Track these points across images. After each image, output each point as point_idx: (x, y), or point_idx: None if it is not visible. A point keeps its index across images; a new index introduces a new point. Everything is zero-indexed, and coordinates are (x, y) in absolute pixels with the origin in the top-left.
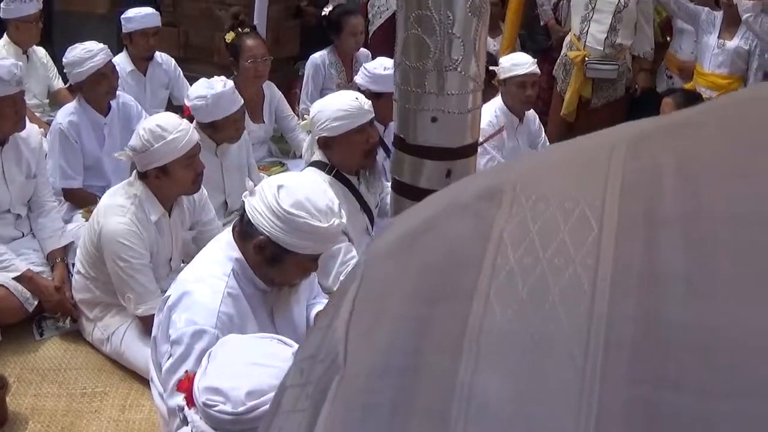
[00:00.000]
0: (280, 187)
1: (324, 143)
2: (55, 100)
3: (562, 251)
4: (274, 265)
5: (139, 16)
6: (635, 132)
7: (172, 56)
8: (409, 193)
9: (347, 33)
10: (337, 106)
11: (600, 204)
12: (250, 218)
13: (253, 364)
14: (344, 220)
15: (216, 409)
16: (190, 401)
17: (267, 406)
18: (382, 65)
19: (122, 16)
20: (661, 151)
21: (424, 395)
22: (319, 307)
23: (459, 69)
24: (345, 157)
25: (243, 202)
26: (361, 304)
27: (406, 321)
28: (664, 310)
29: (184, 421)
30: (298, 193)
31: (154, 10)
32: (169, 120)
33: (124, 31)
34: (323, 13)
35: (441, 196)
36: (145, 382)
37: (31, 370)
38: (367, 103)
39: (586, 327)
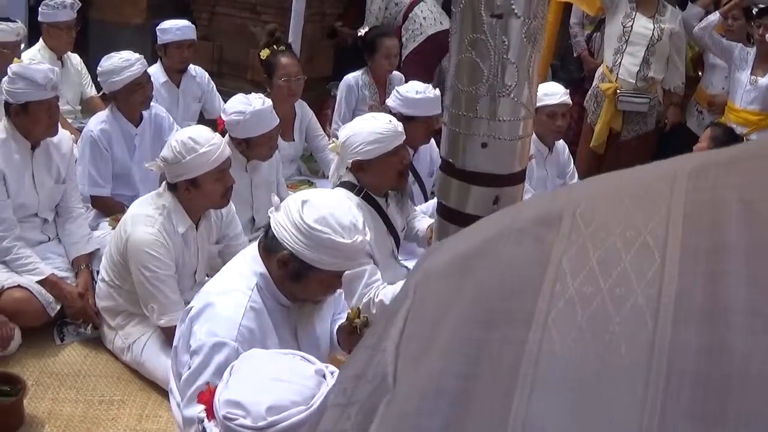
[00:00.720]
0: (304, 202)
1: (358, 166)
2: (88, 108)
3: (624, 281)
4: (297, 281)
5: (174, 28)
6: (696, 163)
7: (205, 70)
8: (455, 218)
9: (381, 55)
10: (371, 129)
11: (663, 234)
12: (275, 233)
13: (275, 379)
14: (368, 237)
15: (236, 422)
16: (210, 413)
17: (287, 422)
18: (414, 89)
19: (158, 27)
20: (724, 183)
21: (477, 421)
22: (341, 322)
23: (512, 95)
24: (378, 179)
25: (269, 217)
26: (413, 325)
27: (461, 345)
28: (728, 342)
29: None
30: (322, 208)
31: (189, 23)
32: (202, 133)
33: (159, 42)
34: (359, 34)
35: (495, 220)
36: (163, 392)
37: (50, 375)
38: (399, 125)
39: (648, 358)
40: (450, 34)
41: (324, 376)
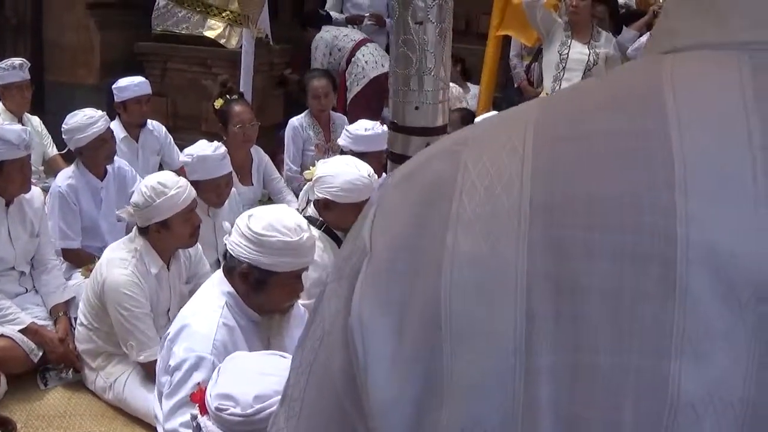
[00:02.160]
0: (250, 216)
1: (324, 204)
2: (50, 167)
3: (502, 166)
4: (260, 291)
5: (132, 85)
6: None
7: (160, 124)
8: (401, 161)
9: (310, 96)
10: (349, 178)
11: (522, 139)
12: (231, 252)
13: (259, 373)
14: (314, 233)
15: (227, 412)
16: (203, 409)
17: (272, 408)
18: (363, 127)
19: (114, 86)
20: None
21: (424, 260)
22: None
23: (432, 74)
24: (340, 221)
25: (225, 243)
26: (379, 217)
27: (410, 218)
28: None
29: (197, 429)
30: (266, 217)
31: (145, 79)
32: (169, 177)
33: (117, 100)
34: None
35: (430, 147)
36: (146, 426)
37: (37, 417)
38: (375, 180)
39: (518, 203)
40: (390, 38)
41: None
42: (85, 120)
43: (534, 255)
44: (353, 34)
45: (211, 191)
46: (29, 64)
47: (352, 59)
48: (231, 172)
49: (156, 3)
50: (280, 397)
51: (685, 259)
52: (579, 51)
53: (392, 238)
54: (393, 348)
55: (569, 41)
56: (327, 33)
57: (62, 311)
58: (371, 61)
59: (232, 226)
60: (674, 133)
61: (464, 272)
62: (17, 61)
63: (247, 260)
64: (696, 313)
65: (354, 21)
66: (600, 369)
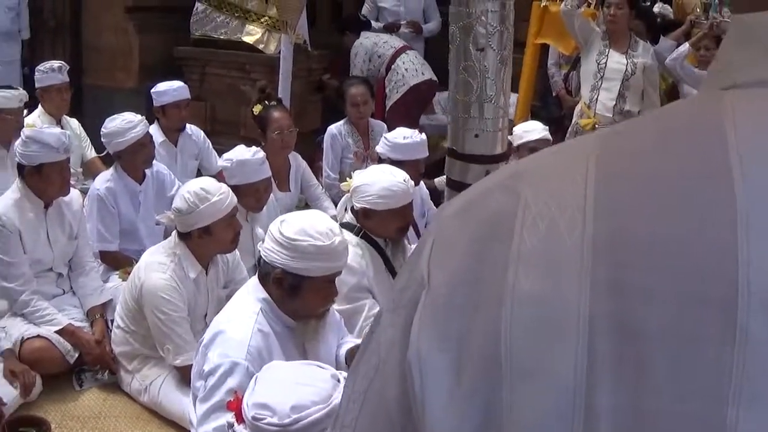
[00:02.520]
0: (282, 221)
1: (363, 213)
2: (89, 170)
3: (563, 202)
4: (295, 296)
5: (171, 90)
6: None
7: (199, 128)
8: (459, 188)
9: (348, 103)
10: (385, 184)
11: (583, 178)
12: (265, 258)
13: (296, 383)
14: (351, 238)
15: (264, 422)
16: (239, 418)
17: (309, 419)
18: (402, 134)
19: (153, 90)
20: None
21: (484, 295)
22: (348, 345)
23: (492, 101)
24: (379, 229)
25: (259, 250)
26: (437, 248)
27: (469, 252)
28: (629, 228)
29: None
30: (298, 222)
31: (184, 84)
32: (211, 183)
33: (156, 104)
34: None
35: (484, 180)
36: (181, 429)
37: (72, 418)
38: (411, 186)
39: (580, 242)
40: (449, 63)
41: (338, 380)
42: (124, 124)
43: (596, 295)
44: (393, 41)
45: (251, 196)
46: (68, 67)
47: (392, 66)
48: (270, 177)
49: (195, 7)
50: (317, 407)
51: (746, 302)
52: (617, 60)
53: (451, 272)
54: (451, 383)
55: (607, 50)
56: (367, 39)
57: (99, 313)
58: (411, 69)
59: (259, 228)
60: (736, 172)
61: (525, 310)
62: (56, 63)
63: (280, 265)
64: (756, 357)
65: (391, 28)
66: (661, 413)
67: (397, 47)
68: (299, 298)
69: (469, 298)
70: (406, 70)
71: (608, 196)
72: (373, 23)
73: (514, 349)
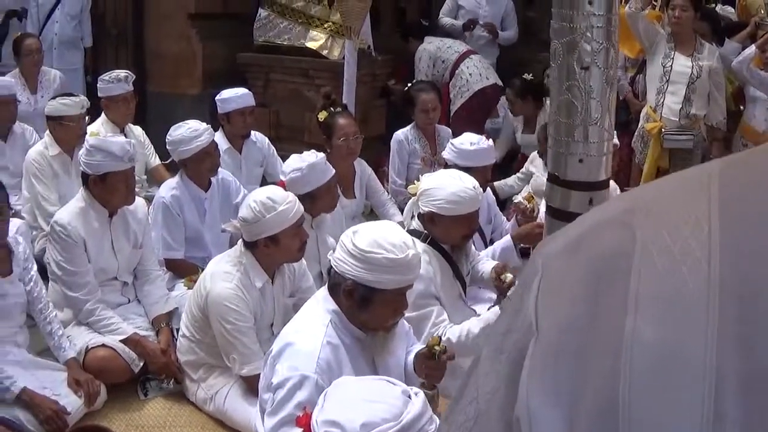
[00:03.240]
0: (354, 232)
1: (429, 218)
2: (153, 177)
3: (685, 244)
4: (365, 308)
5: (235, 97)
6: (723, 164)
7: (263, 135)
8: (560, 216)
9: (419, 109)
10: (454, 190)
11: (706, 214)
12: (336, 269)
13: (366, 400)
14: (419, 246)
15: None
16: None
17: None
18: (469, 141)
19: (217, 97)
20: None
21: (598, 345)
22: (415, 351)
23: (598, 124)
24: (445, 235)
25: (329, 260)
26: (544, 289)
27: (582, 296)
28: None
29: None
30: (371, 233)
31: (248, 91)
32: (278, 192)
33: (220, 111)
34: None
35: (593, 214)
36: None
37: (136, 427)
38: (480, 194)
39: (706, 288)
40: (549, 81)
41: (409, 397)
42: (189, 133)
43: (723, 349)
44: (457, 46)
45: (326, 195)
46: (134, 77)
47: (456, 71)
48: (335, 174)
49: (258, 14)
50: (387, 425)
51: None
52: (682, 63)
53: (562, 317)
54: None
55: (672, 53)
56: (430, 44)
57: (164, 322)
58: (475, 74)
59: (336, 241)
60: None
61: (645, 363)
62: (122, 73)
63: (352, 277)
64: None
65: (469, 26)
66: None
67: (461, 51)
68: (370, 310)
69: (583, 347)
70: (470, 75)
71: (734, 239)
72: (450, 21)
73: (633, 403)
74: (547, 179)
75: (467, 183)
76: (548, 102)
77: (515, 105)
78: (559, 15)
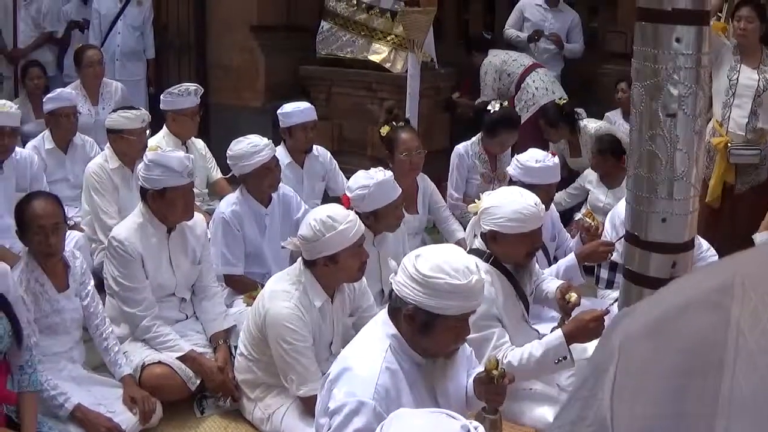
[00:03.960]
0: (417, 256)
1: (492, 236)
2: (214, 190)
3: None
4: (426, 333)
5: (298, 111)
6: None
7: (326, 149)
8: (638, 280)
9: (497, 142)
10: (516, 207)
11: None
12: (397, 293)
13: None
14: (484, 276)
15: None
16: None
17: None
18: (534, 158)
19: (279, 111)
20: None
21: None
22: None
23: (684, 178)
24: (508, 253)
25: (391, 282)
26: (622, 378)
27: (666, 392)
28: None
29: None
30: (434, 258)
31: (310, 105)
32: (338, 211)
33: (282, 125)
34: (489, 108)
35: (681, 289)
36: None
37: None
38: (542, 210)
39: None
40: (630, 130)
41: (469, 431)
42: (250, 148)
43: None
44: (522, 59)
45: (391, 214)
46: (202, 90)
47: (522, 85)
48: (401, 191)
49: (320, 26)
50: None
51: None
52: (748, 76)
53: (643, 415)
54: None
55: (738, 66)
56: (495, 57)
57: (222, 339)
58: (541, 87)
59: (396, 256)
60: None
61: None
62: (191, 86)
63: (413, 302)
64: None
65: (534, 38)
66: None
67: (527, 65)
68: (431, 336)
69: None
70: (536, 89)
71: None
72: (516, 33)
73: None
74: (625, 239)
75: (529, 200)
76: (583, 124)
77: (549, 133)
78: (641, 54)
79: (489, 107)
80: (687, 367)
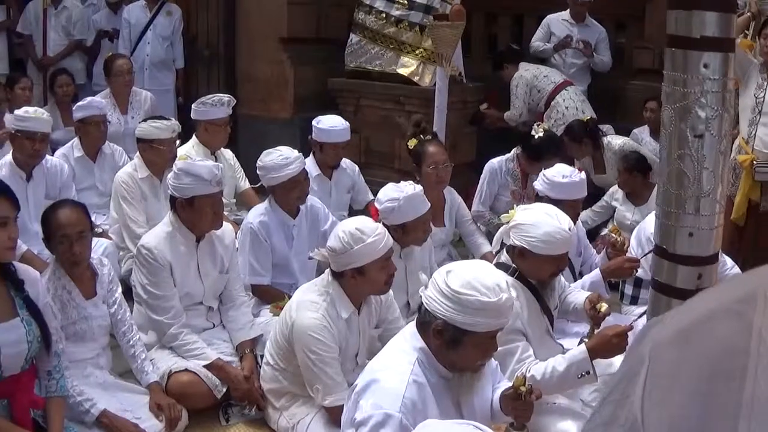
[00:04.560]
0: (448, 272)
1: (519, 252)
2: (242, 200)
3: None
4: (454, 348)
5: (334, 130)
6: None
7: (353, 161)
8: (666, 291)
9: (540, 167)
10: (549, 230)
11: None
12: (427, 307)
13: None
14: (513, 294)
15: None
16: None
17: None
18: (561, 173)
19: (316, 124)
20: None
21: None
22: (502, 389)
23: (710, 195)
24: (533, 271)
25: (420, 296)
26: (652, 382)
27: (693, 395)
28: None
29: None
30: (465, 274)
31: (347, 125)
32: (367, 224)
33: (315, 138)
34: (533, 133)
35: (707, 299)
36: None
37: None
38: (574, 234)
39: None
40: (660, 149)
41: None
42: (280, 160)
43: None
44: (553, 76)
45: (418, 228)
46: (234, 101)
47: (552, 103)
48: (429, 205)
49: (349, 39)
50: None
51: None
52: None
53: (671, 417)
54: None
55: (765, 84)
56: (527, 72)
57: (249, 348)
58: (572, 107)
59: (423, 269)
60: None
61: None
62: (224, 97)
63: (442, 317)
64: None
65: (562, 47)
66: None
67: (558, 82)
68: (459, 351)
69: None
70: (566, 108)
71: None
72: (542, 45)
73: None
74: (654, 252)
75: (563, 224)
76: (607, 140)
77: (572, 149)
78: (671, 78)
79: (533, 132)
80: (712, 372)
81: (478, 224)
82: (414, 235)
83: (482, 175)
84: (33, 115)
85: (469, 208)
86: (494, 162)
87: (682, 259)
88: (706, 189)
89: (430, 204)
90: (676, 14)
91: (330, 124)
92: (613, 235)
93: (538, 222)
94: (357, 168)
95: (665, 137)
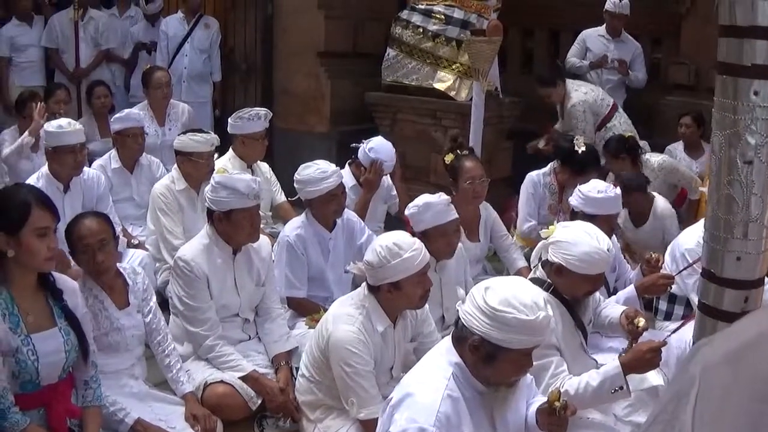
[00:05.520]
0: (487, 288)
1: (557, 269)
2: (278, 214)
3: None
4: (490, 364)
5: (383, 151)
6: None
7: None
8: (712, 313)
9: (577, 180)
10: (588, 250)
11: None
12: (464, 322)
13: None
14: (551, 312)
15: None
16: None
17: None
18: (596, 188)
19: (367, 144)
20: None
21: None
22: (537, 404)
23: (758, 220)
24: (569, 288)
25: (458, 312)
26: (702, 403)
27: (745, 416)
28: None
29: None
30: (503, 291)
31: (392, 149)
32: (404, 239)
33: (359, 157)
34: (576, 148)
35: (754, 322)
36: None
37: None
38: (612, 255)
39: None
40: (710, 175)
41: None
42: (318, 174)
43: None
44: (607, 98)
45: (440, 239)
46: (271, 114)
47: (608, 125)
48: (458, 220)
49: (386, 54)
50: None
51: None
52: None
53: None
54: None
55: None
56: (587, 95)
57: (284, 360)
58: (628, 130)
59: (458, 283)
60: None
61: None
62: (261, 111)
63: (479, 333)
64: None
65: (597, 66)
66: None
67: (611, 104)
68: (494, 366)
69: None
70: (623, 131)
71: None
72: (578, 62)
73: None
74: (702, 275)
75: (602, 244)
76: (645, 157)
77: (611, 163)
78: (721, 105)
79: (575, 146)
80: (763, 394)
81: (533, 238)
82: (435, 245)
83: (523, 188)
84: (67, 128)
85: (505, 223)
86: (533, 175)
87: (729, 282)
88: (755, 214)
89: (456, 217)
90: (727, 42)
91: (380, 146)
92: (650, 252)
93: (577, 240)
94: (389, 180)
95: (715, 163)
